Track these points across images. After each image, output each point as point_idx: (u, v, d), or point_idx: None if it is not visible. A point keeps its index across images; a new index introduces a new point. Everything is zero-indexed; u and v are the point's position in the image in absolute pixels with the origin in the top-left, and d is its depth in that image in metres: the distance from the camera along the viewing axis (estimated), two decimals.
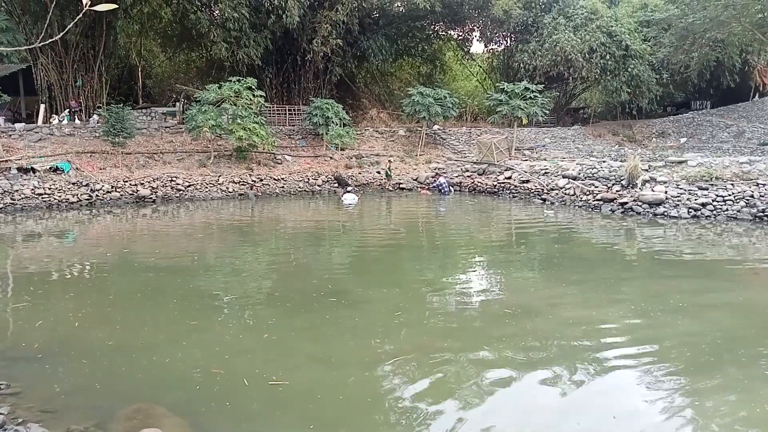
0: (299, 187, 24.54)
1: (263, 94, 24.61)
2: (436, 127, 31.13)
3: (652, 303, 8.67)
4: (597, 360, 6.46)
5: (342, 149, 27.35)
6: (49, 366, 6.19)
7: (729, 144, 30.36)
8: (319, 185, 24.99)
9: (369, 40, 31.85)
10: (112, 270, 11.29)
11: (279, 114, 29.36)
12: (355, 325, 7.63)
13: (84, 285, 10.13)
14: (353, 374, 6.07)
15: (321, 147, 27.48)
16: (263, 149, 24.90)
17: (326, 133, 26.38)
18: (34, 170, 20.17)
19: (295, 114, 29.52)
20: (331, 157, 27.09)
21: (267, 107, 26.39)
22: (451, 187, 25.31)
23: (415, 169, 27.26)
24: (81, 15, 3.32)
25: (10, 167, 20.02)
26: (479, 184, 25.27)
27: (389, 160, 26.82)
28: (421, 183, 26.21)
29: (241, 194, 23.01)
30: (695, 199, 17.04)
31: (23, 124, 23.33)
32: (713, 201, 16.88)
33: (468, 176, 26.23)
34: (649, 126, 35.92)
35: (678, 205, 17.08)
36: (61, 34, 4.46)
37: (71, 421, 4.99)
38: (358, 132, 29.15)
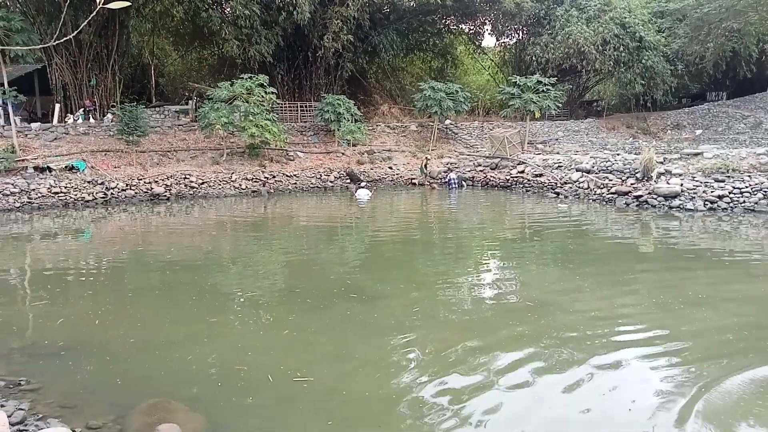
0: (312, 184, 24.59)
1: (275, 90, 24.64)
2: (447, 121, 31.01)
3: (671, 295, 8.59)
4: (618, 353, 6.41)
5: (354, 145, 27.35)
6: (72, 363, 6.26)
7: (746, 135, 29.96)
8: (331, 181, 25.02)
9: (380, 35, 31.74)
10: (128, 268, 11.40)
11: (291, 110, 29.40)
12: (375, 321, 7.62)
13: (101, 283, 10.22)
14: (377, 370, 6.06)
15: (333, 143, 27.49)
16: (275, 146, 24.96)
17: (338, 129, 26.40)
18: (50, 169, 20.41)
19: (306, 110, 29.54)
20: (343, 153, 27.09)
21: (279, 104, 26.44)
22: (464, 182, 25.23)
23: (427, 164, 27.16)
24: (94, 13, 3.34)
25: (26, 166, 20.27)
26: (492, 179, 25.15)
27: (426, 158, 26.73)
28: (433, 177, 26.13)
29: (254, 191, 23.11)
30: (711, 192, 16.84)
31: (39, 123, 23.60)
32: (730, 193, 16.67)
33: (480, 171, 26.13)
34: (663, 118, 35.52)
35: (694, 197, 16.89)
36: (75, 32, 4.49)
37: (90, 417, 5.05)
38: (370, 128, 29.11)
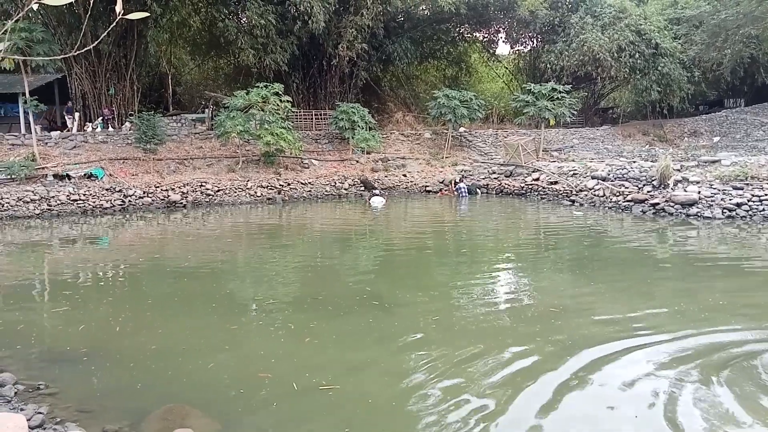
0: (326, 191, 24.68)
1: (290, 99, 24.84)
2: (462, 129, 30.99)
3: (691, 303, 8.51)
4: (643, 360, 6.33)
5: (368, 153, 27.43)
6: (91, 368, 6.32)
7: (765, 142, 29.56)
8: (345, 189, 25.10)
9: (394, 43, 31.90)
10: (147, 275, 11.50)
11: (306, 119, 29.59)
12: (397, 329, 7.59)
13: (120, 290, 10.34)
14: (402, 380, 5.99)
15: (347, 151, 27.60)
16: (290, 154, 25.13)
17: (352, 137, 26.51)
18: (69, 177, 20.73)
19: (321, 118, 29.72)
20: (357, 161, 27.18)
21: (294, 112, 26.63)
22: (478, 189, 25.16)
23: (441, 172, 27.17)
24: (114, 24, 3.41)
25: (46, 174, 20.61)
26: (506, 186, 25.06)
27: (454, 181, 26.47)
28: (447, 185, 26.07)
29: (269, 198, 23.25)
30: (730, 199, 16.62)
31: (59, 132, 24.01)
32: (749, 201, 16.44)
33: (495, 178, 26.04)
34: (680, 125, 35.19)
35: (712, 205, 16.68)
36: (95, 43, 4.59)
37: (107, 421, 5.10)
38: (384, 135, 29.20)
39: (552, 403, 5.43)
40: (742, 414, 5.13)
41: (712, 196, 16.95)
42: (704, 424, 5.01)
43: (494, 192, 25.29)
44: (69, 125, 25.02)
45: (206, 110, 28.15)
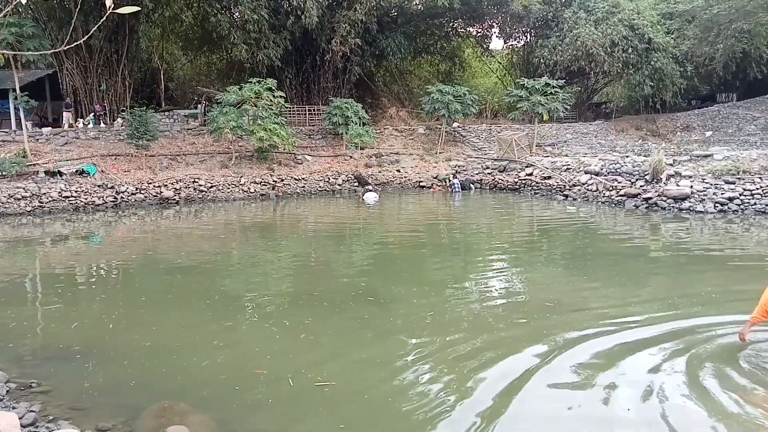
0: (320, 187, 24.65)
1: (283, 94, 24.76)
2: (455, 124, 30.98)
3: (684, 296, 8.54)
4: (636, 353, 6.34)
5: (362, 148, 27.39)
6: (85, 366, 6.28)
7: (756, 137, 29.70)
8: (339, 185, 25.07)
9: (387, 38, 31.81)
10: (139, 272, 11.45)
11: (299, 114, 29.50)
12: (392, 325, 7.58)
13: (113, 287, 10.28)
14: (398, 375, 5.99)
15: (341, 146, 27.55)
16: (284, 149, 25.05)
17: (346, 133, 26.45)
18: (60, 173, 20.58)
19: (314, 114, 29.63)
20: (351, 157, 27.15)
21: (287, 108, 26.54)
22: (472, 185, 25.23)
23: (434, 167, 27.18)
24: (104, 18, 3.37)
25: (38, 171, 20.45)
26: (500, 181, 25.10)
27: (452, 175, 26.50)
28: (441, 180, 26.07)
29: (262, 194, 23.19)
30: (722, 194, 16.71)
31: (50, 128, 23.82)
32: (740, 195, 16.54)
33: (489, 173, 26.08)
34: (673, 120, 35.30)
35: (704, 199, 16.76)
36: (85, 37, 4.56)
37: (100, 419, 5.07)
38: (378, 131, 29.15)
39: (554, 399, 5.43)
40: (728, 404, 5.16)
41: (704, 191, 17.03)
42: (687, 415, 5.04)
43: (488, 187, 25.33)
44: (69, 121, 24.82)
45: (199, 106, 28.01)
